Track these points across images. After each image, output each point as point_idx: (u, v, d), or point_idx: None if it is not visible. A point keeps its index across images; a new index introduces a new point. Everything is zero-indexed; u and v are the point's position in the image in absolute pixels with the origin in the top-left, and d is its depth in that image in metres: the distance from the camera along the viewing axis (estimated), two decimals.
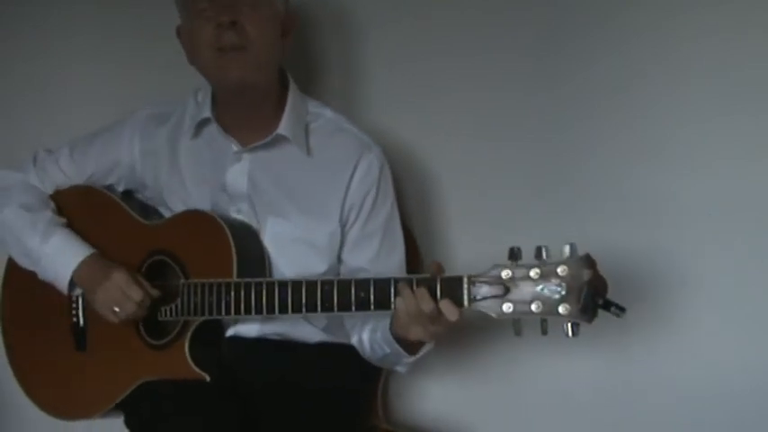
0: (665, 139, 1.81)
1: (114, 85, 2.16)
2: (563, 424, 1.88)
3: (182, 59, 2.06)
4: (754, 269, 1.75)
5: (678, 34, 1.79)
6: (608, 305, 1.37)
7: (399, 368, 1.69)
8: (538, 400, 1.90)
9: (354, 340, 1.71)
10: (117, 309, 1.64)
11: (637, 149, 1.83)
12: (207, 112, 1.72)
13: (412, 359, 1.60)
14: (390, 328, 1.54)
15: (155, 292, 1.66)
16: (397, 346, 1.56)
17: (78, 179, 1.83)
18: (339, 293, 1.49)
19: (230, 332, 1.68)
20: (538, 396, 1.90)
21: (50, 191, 1.83)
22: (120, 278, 1.64)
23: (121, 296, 1.63)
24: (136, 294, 1.63)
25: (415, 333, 1.47)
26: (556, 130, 1.89)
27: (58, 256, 1.71)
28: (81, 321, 1.77)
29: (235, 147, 1.72)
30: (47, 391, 1.81)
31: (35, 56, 2.25)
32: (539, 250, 1.37)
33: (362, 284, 1.48)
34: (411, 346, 1.57)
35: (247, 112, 1.71)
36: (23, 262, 1.78)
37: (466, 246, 1.93)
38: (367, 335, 1.67)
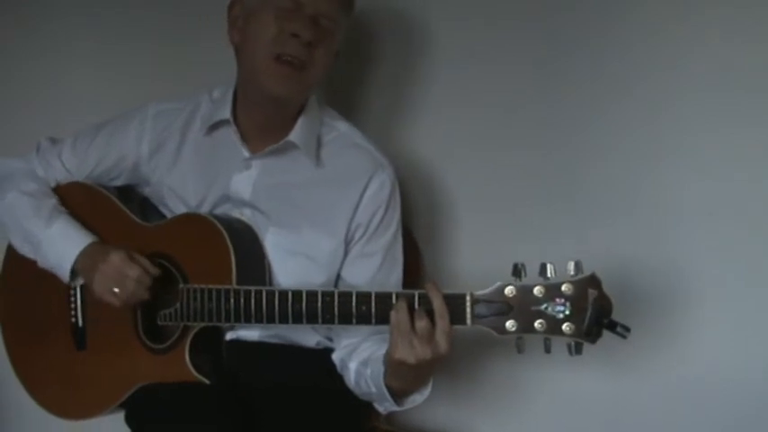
0: (671, 144, 1.80)
1: (114, 88, 2.17)
2: (561, 420, 1.88)
3: (181, 62, 2.07)
4: (759, 274, 1.74)
5: (684, 38, 1.79)
6: (613, 325, 1.35)
7: (378, 408, 1.64)
8: (537, 400, 1.90)
9: (337, 358, 1.69)
10: (116, 289, 1.60)
11: (636, 148, 1.82)
12: (226, 114, 1.67)
13: (396, 409, 1.57)
14: (384, 377, 1.52)
15: (154, 270, 1.62)
16: (385, 391, 1.53)
17: (80, 174, 1.80)
18: (340, 306, 1.47)
19: (231, 336, 1.67)
20: (537, 396, 1.90)
21: (52, 184, 1.81)
22: (116, 258, 1.60)
23: (119, 276, 1.60)
24: (132, 272, 1.59)
25: (401, 351, 1.42)
26: (564, 140, 1.88)
27: (61, 243, 1.68)
28: (80, 321, 1.76)
29: (246, 153, 1.68)
30: (49, 390, 1.81)
31: (35, 59, 2.25)
32: (543, 267, 1.36)
33: (363, 297, 1.46)
34: (399, 397, 1.55)
35: (268, 119, 1.68)
36: (25, 249, 1.75)
37: (474, 257, 1.93)
38: (355, 365, 1.63)
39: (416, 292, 1.43)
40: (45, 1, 2.24)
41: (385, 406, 1.60)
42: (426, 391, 1.57)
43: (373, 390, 1.57)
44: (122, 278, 1.60)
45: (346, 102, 2.03)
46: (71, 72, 2.23)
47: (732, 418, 1.75)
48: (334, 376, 1.70)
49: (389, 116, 2.02)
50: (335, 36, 1.64)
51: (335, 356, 1.69)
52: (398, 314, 1.41)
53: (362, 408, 1.79)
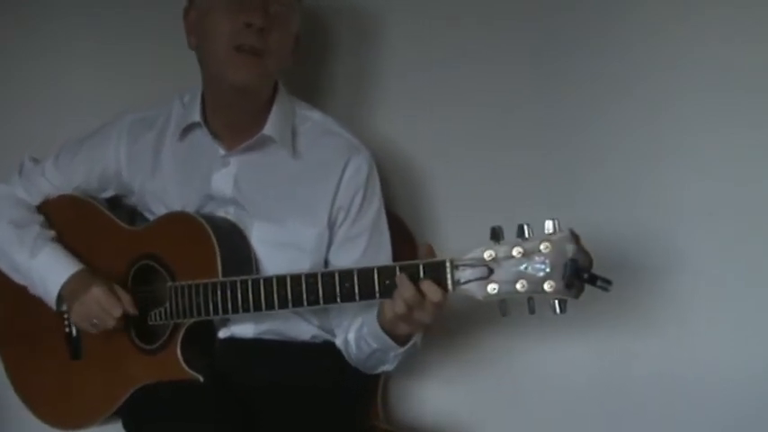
0: (671, 144, 1.80)
1: (114, 88, 2.16)
2: (562, 420, 1.87)
3: (180, 62, 2.06)
4: (759, 274, 1.74)
5: (684, 38, 1.79)
6: (593, 279, 1.33)
7: (387, 366, 1.65)
8: (536, 398, 1.89)
9: (339, 341, 1.70)
10: (95, 321, 1.65)
11: (636, 148, 1.82)
12: (196, 116, 1.70)
13: (400, 350, 1.57)
14: (378, 318, 1.52)
15: (133, 310, 1.66)
16: (385, 337, 1.54)
17: (66, 188, 1.82)
18: (323, 285, 1.47)
19: (226, 334, 1.67)
20: (536, 394, 1.89)
21: (37, 202, 1.83)
22: (97, 291, 1.64)
23: (98, 310, 1.64)
24: (111, 307, 1.63)
25: (402, 328, 1.48)
26: (564, 140, 1.88)
27: (47, 272, 1.72)
28: (74, 331, 1.77)
29: (222, 151, 1.70)
30: (46, 402, 1.81)
31: (35, 59, 2.25)
32: (521, 228, 1.34)
33: (346, 275, 1.46)
34: (399, 338, 1.55)
35: (238, 115, 1.70)
36: (14, 277, 1.78)
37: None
38: (353, 334, 1.65)
39: (397, 265, 1.43)
40: (45, 1, 2.23)
41: (389, 358, 1.60)
42: (421, 333, 1.58)
43: (374, 345, 1.58)
44: (101, 312, 1.64)
45: (336, 100, 2.03)
46: (71, 72, 2.23)
47: (732, 417, 1.74)
48: (331, 374, 1.71)
49: (384, 115, 2.01)
50: (290, 19, 1.67)
51: (339, 341, 1.71)
52: (401, 289, 1.40)
53: (360, 406, 1.79)
